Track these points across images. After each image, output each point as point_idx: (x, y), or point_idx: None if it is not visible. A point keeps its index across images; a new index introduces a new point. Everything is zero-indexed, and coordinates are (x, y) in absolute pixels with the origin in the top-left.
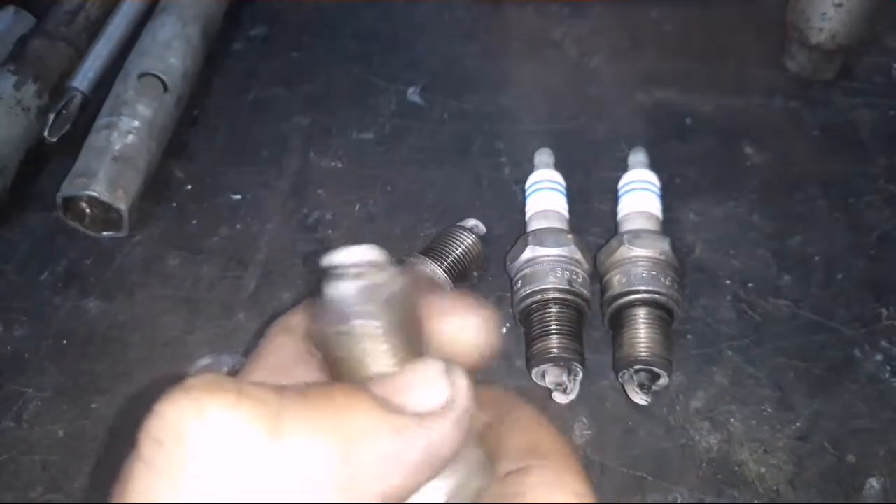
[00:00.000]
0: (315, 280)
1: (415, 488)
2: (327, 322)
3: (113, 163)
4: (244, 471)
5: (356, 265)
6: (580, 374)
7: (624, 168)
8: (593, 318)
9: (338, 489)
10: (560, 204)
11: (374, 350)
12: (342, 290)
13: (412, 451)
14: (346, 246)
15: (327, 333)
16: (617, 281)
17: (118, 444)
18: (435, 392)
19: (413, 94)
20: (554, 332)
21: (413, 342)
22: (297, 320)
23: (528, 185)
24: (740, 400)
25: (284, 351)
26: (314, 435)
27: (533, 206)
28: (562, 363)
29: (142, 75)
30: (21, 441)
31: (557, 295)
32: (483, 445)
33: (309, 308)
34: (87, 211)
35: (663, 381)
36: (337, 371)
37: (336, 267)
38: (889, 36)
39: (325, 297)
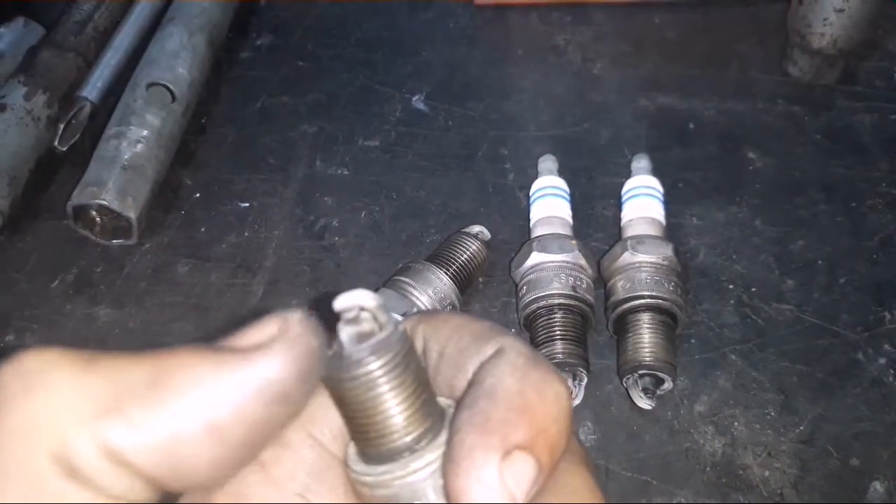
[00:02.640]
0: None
1: (256, 420)
2: (326, 366)
3: (122, 172)
4: (56, 397)
5: (348, 310)
6: (585, 380)
7: (627, 174)
8: (597, 323)
9: (151, 411)
10: (564, 210)
11: (374, 395)
12: (339, 336)
13: (237, 380)
14: (343, 292)
15: (329, 377)
16: (621, 286)
17: None
18: (262, 329)
19: (418, 102)
20: (559, 337)
21: (418, 386)
22: None
23: (532, 191)
24: (744, 404)
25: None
26: (126, 364)
27: (537, 212)
28: (566, 369)
29: (150, 85)
30: None
31: (562, 301)
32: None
33: None
34: (98, 219)
35: (667, 385)
36: (344, 414)
37: (336, 313)
38: (891, 40)
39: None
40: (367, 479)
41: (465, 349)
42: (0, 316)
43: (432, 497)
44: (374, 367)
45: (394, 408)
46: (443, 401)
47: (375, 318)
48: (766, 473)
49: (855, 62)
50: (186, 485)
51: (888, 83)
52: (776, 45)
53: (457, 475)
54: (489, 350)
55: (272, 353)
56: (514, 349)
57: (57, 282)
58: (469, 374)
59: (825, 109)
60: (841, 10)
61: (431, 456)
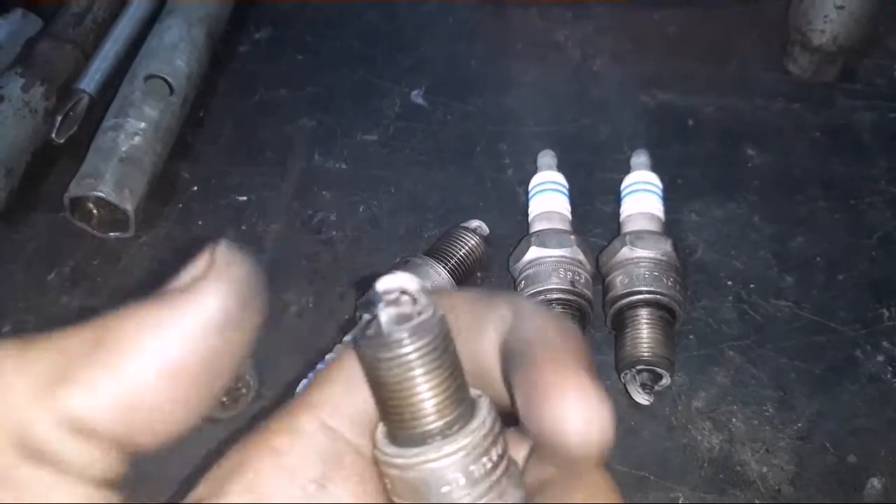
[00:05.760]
0: (363, 304)
1: (208, 352)
2: (365, 346)
3: (120, 164)
4: (2, 380)
5: (389, 292)
6: None
7: (626, 170)
8: (595, 318)
9: (100, 369)
10: (563, 205)
11: (409, 376)
12: (379, 318)
13: (180, 316)
14: (384, 274)
15: (367, 357)
16: (619, 282)
17: None
18: (194, 266)
19: (417, 97)
20: None
21: (453, 371)
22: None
23: (530, 186)
24: (742, 400)
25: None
26: (64, 335)
27: (536, 207)
28: None
29: (148, 77)
30: None
31: (560, 295)
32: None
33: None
34: (94, 212)
35: (665, 381)
36: (377, 395)
37: (374, 294)
38: (891, 38)
39: (365, 322)
40: (399, 461)
41: (481, 315)
42: None
43: (462, 481)
44: (413, 348)
45: (429, 391)
46: (472, 391)
47: (416, 302)
48: (764, 469)
49: (855, 60)
50: (151, 437)
51: (888, 81)
52: (776, 43)
53: (554, 406)
54: (504, 311)
55: (207, 284)
56: (529, 306)
57: (53, 274)
58: (491, 335)
59: (825, 107)
60: (841, 8)
61: (464, 441)
